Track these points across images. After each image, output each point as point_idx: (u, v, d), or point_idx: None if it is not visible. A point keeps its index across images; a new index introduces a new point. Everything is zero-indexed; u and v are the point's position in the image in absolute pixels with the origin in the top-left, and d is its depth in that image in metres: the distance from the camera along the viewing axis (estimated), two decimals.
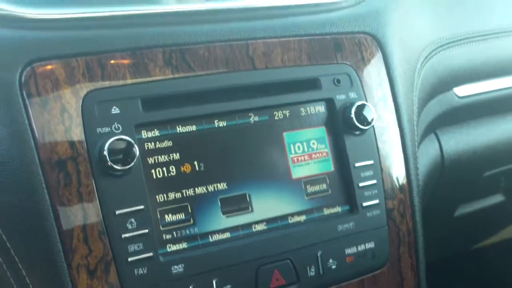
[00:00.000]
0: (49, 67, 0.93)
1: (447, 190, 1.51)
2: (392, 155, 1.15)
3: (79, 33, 0.97)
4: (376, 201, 1.11)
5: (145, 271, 0.94)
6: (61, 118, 0.92)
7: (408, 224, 1.15)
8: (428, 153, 1.39)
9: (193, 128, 1.00)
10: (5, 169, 0.90)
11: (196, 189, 0.99)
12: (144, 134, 0.97)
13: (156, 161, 0.97)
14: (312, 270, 1.05)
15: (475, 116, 1.49)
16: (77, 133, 0.92)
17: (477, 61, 1.41)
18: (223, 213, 1.01)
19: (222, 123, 1.02)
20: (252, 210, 1.03)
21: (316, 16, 1.15)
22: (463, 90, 1.43)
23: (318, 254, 1.05)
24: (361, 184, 1.10)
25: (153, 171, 0.97)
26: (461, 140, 1.46)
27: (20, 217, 0.91)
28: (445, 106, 1.40)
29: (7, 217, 0.92)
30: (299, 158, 1.07)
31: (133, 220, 0.93)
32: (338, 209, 1.10)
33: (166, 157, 0.98)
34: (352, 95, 1.12)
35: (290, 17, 1.13)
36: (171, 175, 0.98)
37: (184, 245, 0.98)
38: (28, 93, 0.91)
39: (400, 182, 1.15)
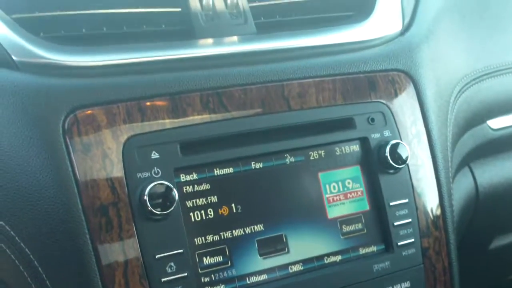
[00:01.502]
0: (91, 113, 0.95)
1: (481, 223, 1.50)
2: (427, 193, 1.15)
3: (119, 79, 0.99)
4: (412, 240, 1.12)
5: None
6: (103, 164, 0.94)
7: (444, 263, 1.15)
8: (462, 188, 1.39)
9: (230, 170, 1.02)
10: (50, 216, 0.92)
11: (234, 231, 1.01)
12: (183, 177, 0.99)
13: (195, 204, 0.99)
14: None
15: (509, 148, 1.48)
16: (118, 179, 0.94)
17: (510, 92, 1.41)
18: (260, 254, 1.02)
19: (259, 165, 1.04)
20: (288, 251, 1.04)
21: (349, 55, 1.16)
22: (497, 123, 1.43)
23: None
24: (396, 223, 1.11)
25: (191, 214, 0.99)
26: (496, 173, 1.45)
27: (62, 262, 0.93)
28: (479, 140, 1.40)
29: (49, 262, 0.94)
30: (335, 198, 1.09)
31: (172, 264, 0.95)
32: (373, 248, 1.10)
33: (204, 200, 1.00)
34: (387, 133, 1.13)
35: (324, 56, 1.14)
36: (209, 217, 1.00)
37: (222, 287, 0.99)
38: (71, 139, 0.93)
39: (435, 220, 1.15)
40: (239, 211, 1.01)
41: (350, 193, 1.10)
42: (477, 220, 1.46)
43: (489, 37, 1.41)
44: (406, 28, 1.26)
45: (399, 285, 1.10)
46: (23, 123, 0.93)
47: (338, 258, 1.07)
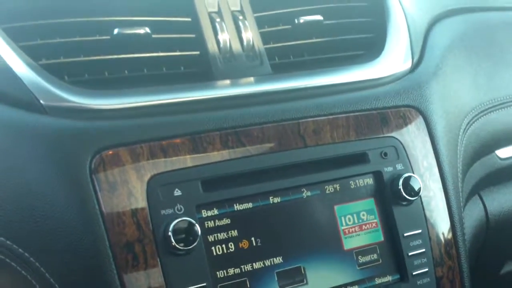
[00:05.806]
0: (116, 154, 0.99)
1: (493, 249, 1.53)
2: (439, 223, 1.19)
3: (142, 121, 1.03)
4: (426, 269, 1.15)
5: None
6: (128, 202, 0.98)
7: None
8: (473, 215, 1.42)
9: (250, 205, 1.06)
10: (78, 252, 0.96)
11: (254, 264, 1.05)
12: (204, 213, 1.03)
13: (216, 239, 1.03)
14: None
15: None
16: (143, 216, 0.98)
17: None
18: (280, 286, 1.06)
19: (277, 199, 1.08)
20: (306, 282, 1.07)
21: (361, 92, 1.21)
22: (505, 152, 1.47)
23: None
24: (410, 253, 1.14)
25: (213, 248, 1.02)
26: (505, 200, 1.49)
27: None
28: (488, 169, 1.43)
29: None
30: (350, 230, 1.12)
31: None
32: (389, 278, 1.14)
33: (225, 234, 1.03)
34: (399, 166, 1.17)
35: (337, 95, 1.18)
36: (230, 251, 1.03)
37: None
38: (98, 179, 0.97)
39: (448, 249, 1.19)
40: (258, 244, 1.05)
41: (365, 224, 1.14)
42: (488, 246, 1.49)
43: (495, 71, 1.45)
44: (415, 66, 1.31)
45: None
46: (52, 165, 0.98)
47: None
